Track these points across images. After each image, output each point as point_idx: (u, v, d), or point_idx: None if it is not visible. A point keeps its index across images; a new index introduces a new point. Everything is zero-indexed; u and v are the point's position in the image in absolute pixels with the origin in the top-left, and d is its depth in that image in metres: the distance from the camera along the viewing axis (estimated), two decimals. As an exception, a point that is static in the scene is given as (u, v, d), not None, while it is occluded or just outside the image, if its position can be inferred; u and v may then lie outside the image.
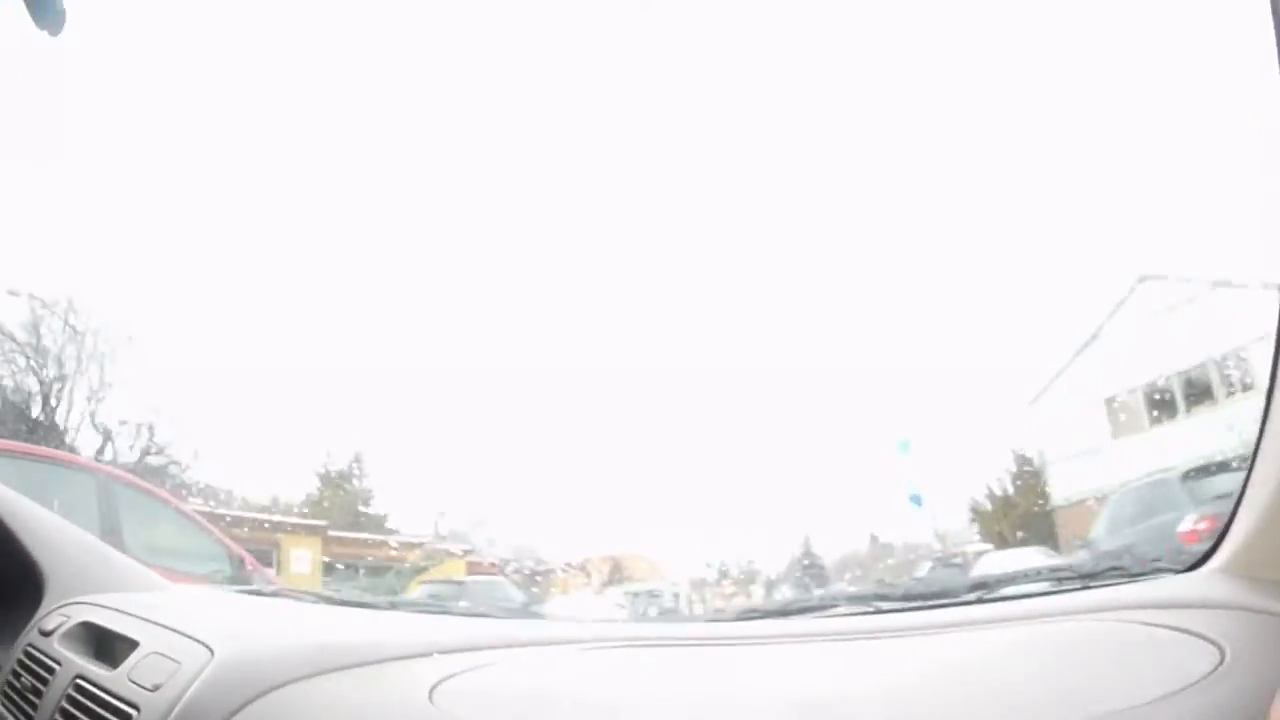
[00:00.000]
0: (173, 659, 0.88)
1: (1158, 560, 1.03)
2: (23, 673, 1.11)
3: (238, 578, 3.99)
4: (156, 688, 0.84)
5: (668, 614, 1.15)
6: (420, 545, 15.07)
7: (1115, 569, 1.05)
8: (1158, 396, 15.17)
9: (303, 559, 13.32)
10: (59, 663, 1.05)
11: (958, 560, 15.11)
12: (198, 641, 0.89)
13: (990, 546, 16.49)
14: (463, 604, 1.38)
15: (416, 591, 10.16)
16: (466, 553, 15.81)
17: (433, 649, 0.89)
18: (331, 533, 14.74)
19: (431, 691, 0.75)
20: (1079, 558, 6.51)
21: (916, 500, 17.32)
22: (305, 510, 15.87)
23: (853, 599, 1.11)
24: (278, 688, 0.78)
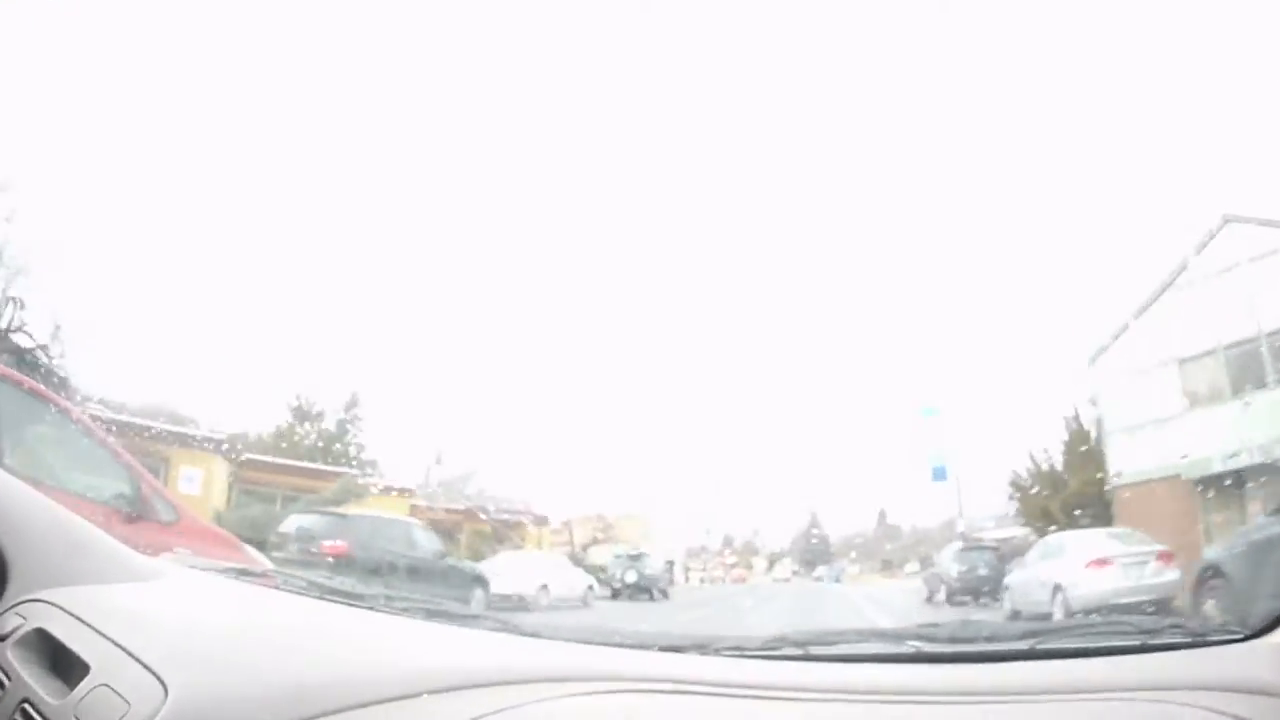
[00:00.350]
0: (122, 696, 0.94)
1: (1225, 623, 1.15)
2: None
3: (136, 501, 4.01)
4: None
5: (682, 639, 1.23)
6: (341, 476, 15.29)
7: (1176, 627, 1.17)
8: (1243, 360, 14.89)
9: (193, 479, 13.38)
10: (9, 677, 1.11)
11: (993, 545, 15.31)
12: (152, 673, 0.95)
13: (1025, 530, 16.66)
14: (452, 606, 1.44)
15: (288, 523, 9.81)
16: (406, 492, 16.20)
17: (420, 685, 0.95)
18: (247, 456, 15.05)
19: None
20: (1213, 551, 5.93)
21: (940, 473, 17.76)
22: (282, 444, 16.62)
23: (890, 637, 1.21)
24: None
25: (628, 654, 1.17)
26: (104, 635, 1.10)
